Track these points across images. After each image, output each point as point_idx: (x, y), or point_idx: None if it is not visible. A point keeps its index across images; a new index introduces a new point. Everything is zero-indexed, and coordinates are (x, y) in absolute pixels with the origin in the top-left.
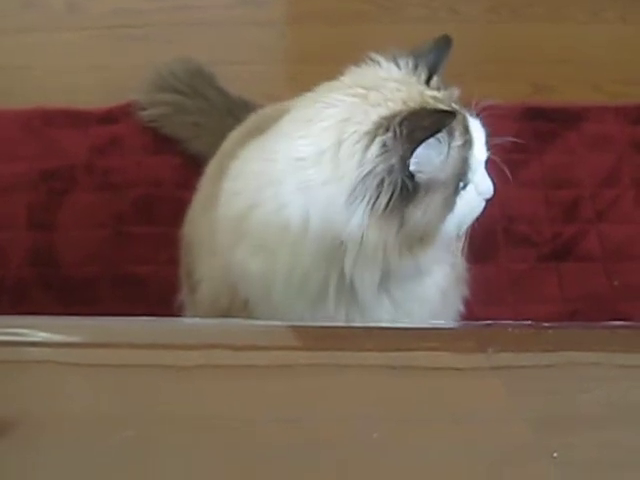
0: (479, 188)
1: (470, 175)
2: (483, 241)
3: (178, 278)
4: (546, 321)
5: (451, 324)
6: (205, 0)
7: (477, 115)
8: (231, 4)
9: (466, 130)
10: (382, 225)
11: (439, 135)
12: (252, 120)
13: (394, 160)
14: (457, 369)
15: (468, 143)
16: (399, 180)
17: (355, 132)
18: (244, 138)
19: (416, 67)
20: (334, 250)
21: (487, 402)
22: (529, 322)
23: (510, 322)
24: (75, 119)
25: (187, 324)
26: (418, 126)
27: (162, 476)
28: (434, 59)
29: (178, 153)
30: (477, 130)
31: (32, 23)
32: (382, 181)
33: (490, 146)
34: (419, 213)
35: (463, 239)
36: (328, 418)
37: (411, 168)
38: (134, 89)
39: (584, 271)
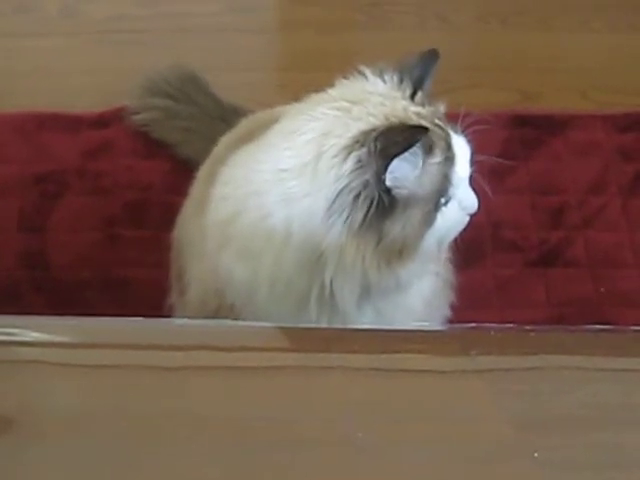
0: (462, 204)
1: (452, 191)
2: (470, 246)
3: (168, 281)
4: (532, 326)
5: (435, 327)
6: (197, 7)
7: (463, 131)
8: (223, 11)
9: (448, 147)
10: (360, 239)
11: (413, 150)
12: (243, 125)
13: (369, 175)
14: (441, 371)
15: (449, 160)
16: (375, 195)
17: (334, 146)
18: (235, 144)
19: (401, 81)
20: (315, 261)
21: (470, 404)
22: (512, 325)
23: (493, 325)
24: (67, 123)
25: (175, 325)
26: (391, 142)
27: (148, 474)
28: (420, 73)
29: (169, 158)
30: (461, 147)
31: (25, 27)
32: (358, 196)
33: (475, 162)
34: (397, 228)
35: (448, 249)
36: (313, 418)
37: (387, 183)
38: (126, 94)
39: (571, 277)
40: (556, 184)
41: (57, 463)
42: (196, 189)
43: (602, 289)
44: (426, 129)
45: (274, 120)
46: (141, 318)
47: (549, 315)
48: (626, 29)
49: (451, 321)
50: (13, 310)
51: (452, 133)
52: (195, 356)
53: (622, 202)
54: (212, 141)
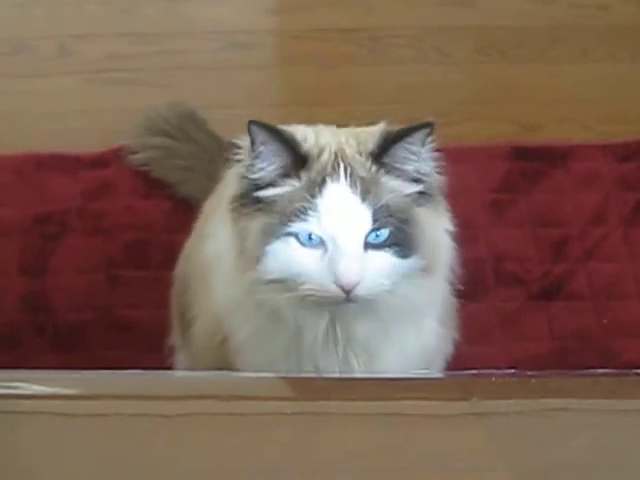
0: (330, 265)
1: (298, 227)
2: (473, 280)
3: (169, 321)
4: (536, 359)
5: (435, 374)
6: (195, 44)
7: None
8: (221, 48)
9: (322, 181)
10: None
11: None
12: None
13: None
14: (441, 417)
15: (311, 197)
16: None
17: None
18: None
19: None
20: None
21: (471, 449)
22: (512, 371)
23: (494, 371)
24: (66, 164)
25: (174, 377)
26: None
27: None
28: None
29: (169, 197)
30: (338, 199)
31: (23, 68)
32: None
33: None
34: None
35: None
36: (312, 467)
37: (251, 176)
38: (125, 133)
39: (573, 309)
40: (558, 216)
41: None
42: (202, 223)
43: (605, 321)
44: (270, 128)
45: None
46: (140, 370)
47: (552, 348)
48: (625, 59)
49: (454, 356)
50: (14, 353)
51: (336, 184)
52: (194, 405)
53: (623, 232)
54: (212, 179)
